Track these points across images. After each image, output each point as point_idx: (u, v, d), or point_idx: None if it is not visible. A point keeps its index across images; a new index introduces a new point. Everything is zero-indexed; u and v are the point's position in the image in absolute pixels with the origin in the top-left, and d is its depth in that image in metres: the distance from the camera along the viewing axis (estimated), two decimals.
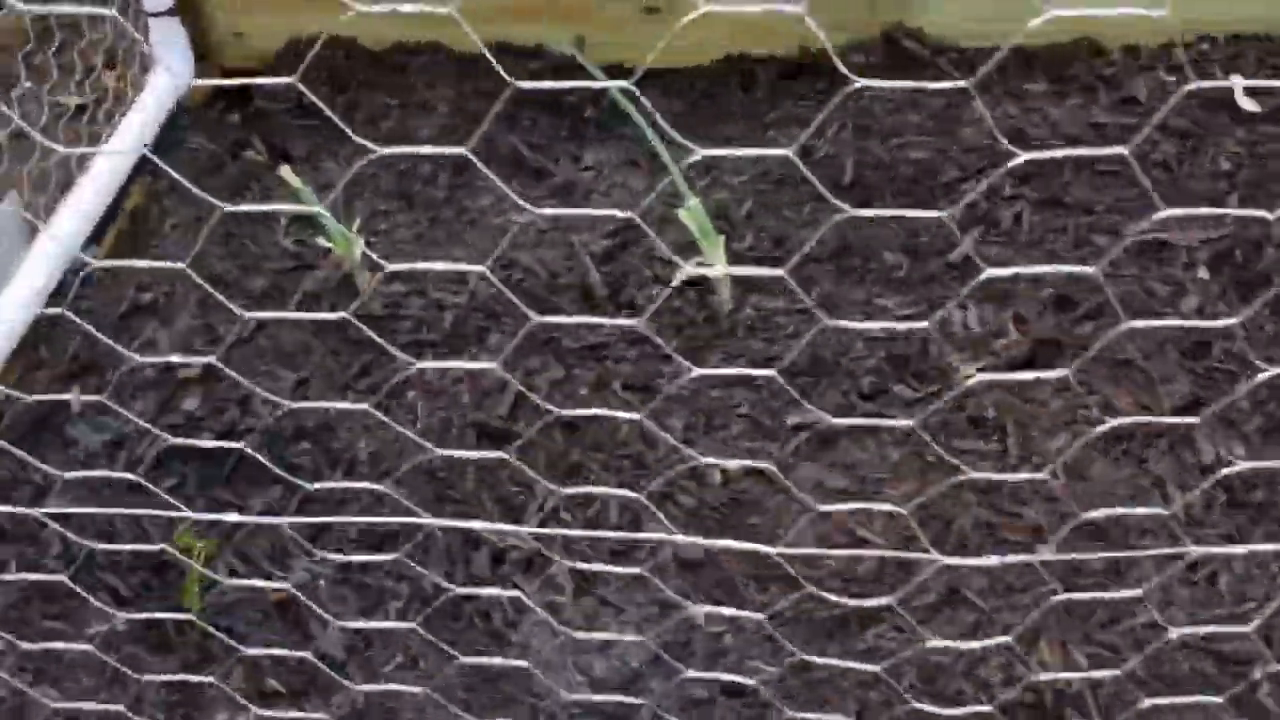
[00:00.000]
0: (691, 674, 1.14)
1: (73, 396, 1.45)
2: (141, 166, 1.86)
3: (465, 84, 1.98)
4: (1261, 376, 1.34)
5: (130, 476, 1.17)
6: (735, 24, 1.95)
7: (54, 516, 1.32)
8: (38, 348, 1.56)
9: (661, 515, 1.22)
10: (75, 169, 1.77)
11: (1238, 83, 1.83)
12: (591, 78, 2.05)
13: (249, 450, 1.02)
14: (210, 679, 1.18)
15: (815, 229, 1.65)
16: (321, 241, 1.56)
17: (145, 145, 1.86)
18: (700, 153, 0.78)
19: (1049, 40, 1.93)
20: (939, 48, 1.95)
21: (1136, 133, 1.72)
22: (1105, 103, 1.84)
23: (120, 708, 1.16)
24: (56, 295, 1.61)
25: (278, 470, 1.09)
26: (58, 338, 1.57)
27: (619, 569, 1.24)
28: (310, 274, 1.61)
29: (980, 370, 1.45)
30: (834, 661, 1.17)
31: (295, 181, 1.49)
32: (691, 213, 1.47)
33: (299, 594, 1.16)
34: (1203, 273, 1.55)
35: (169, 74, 1.97)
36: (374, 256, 1.58)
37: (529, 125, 1.89)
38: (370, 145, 0.78)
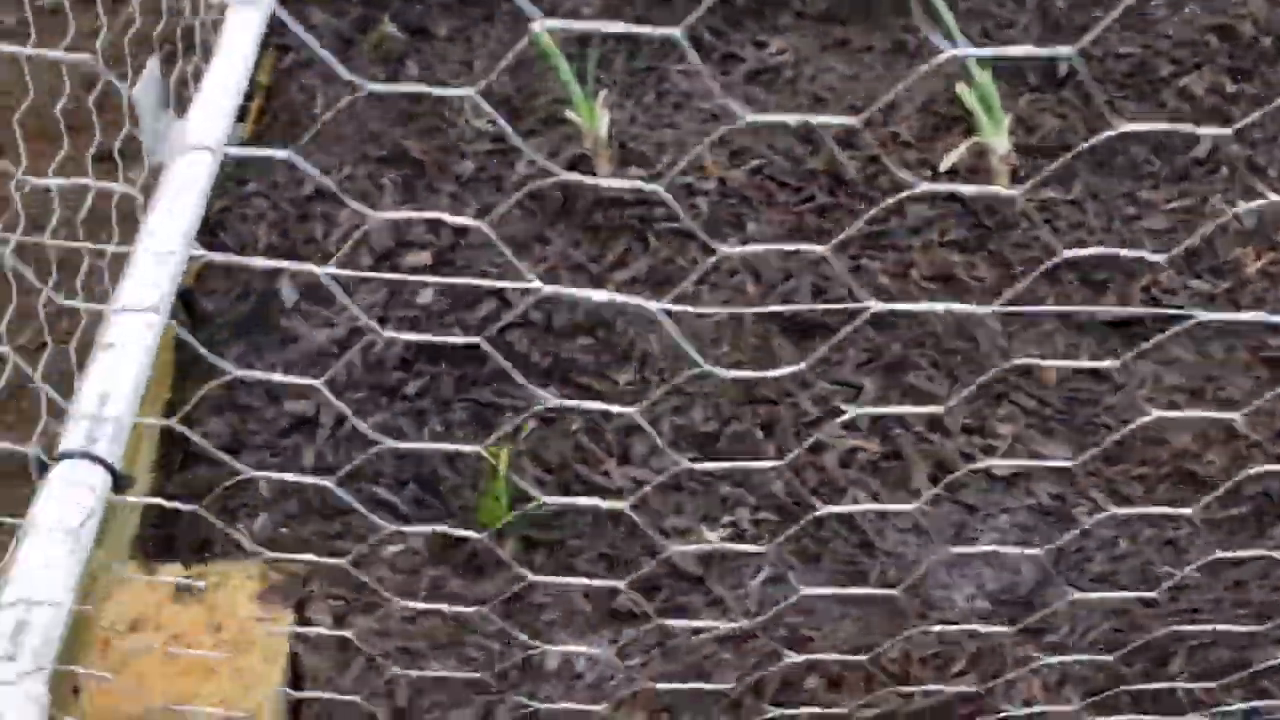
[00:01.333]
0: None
1: (287, 289, 1.23)
2: (265, 42, 1.61)
3: None
4: None
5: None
6: None
7: (298, 423, 1.11)
8: (217, 233, 1.32)
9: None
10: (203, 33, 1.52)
11: None
12: None
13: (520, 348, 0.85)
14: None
15: (1066, 123, 1.53)
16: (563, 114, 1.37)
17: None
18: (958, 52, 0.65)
19: None
20: None
21: None
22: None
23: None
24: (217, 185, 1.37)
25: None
26: (233, 225, 1.34)
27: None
28: (514, 157, 1.42)
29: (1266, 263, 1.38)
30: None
31: (548, 42, 1.29)
32: (979, 89, 1.34)
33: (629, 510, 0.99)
34: None
35: None
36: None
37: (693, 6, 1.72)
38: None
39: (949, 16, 1.41)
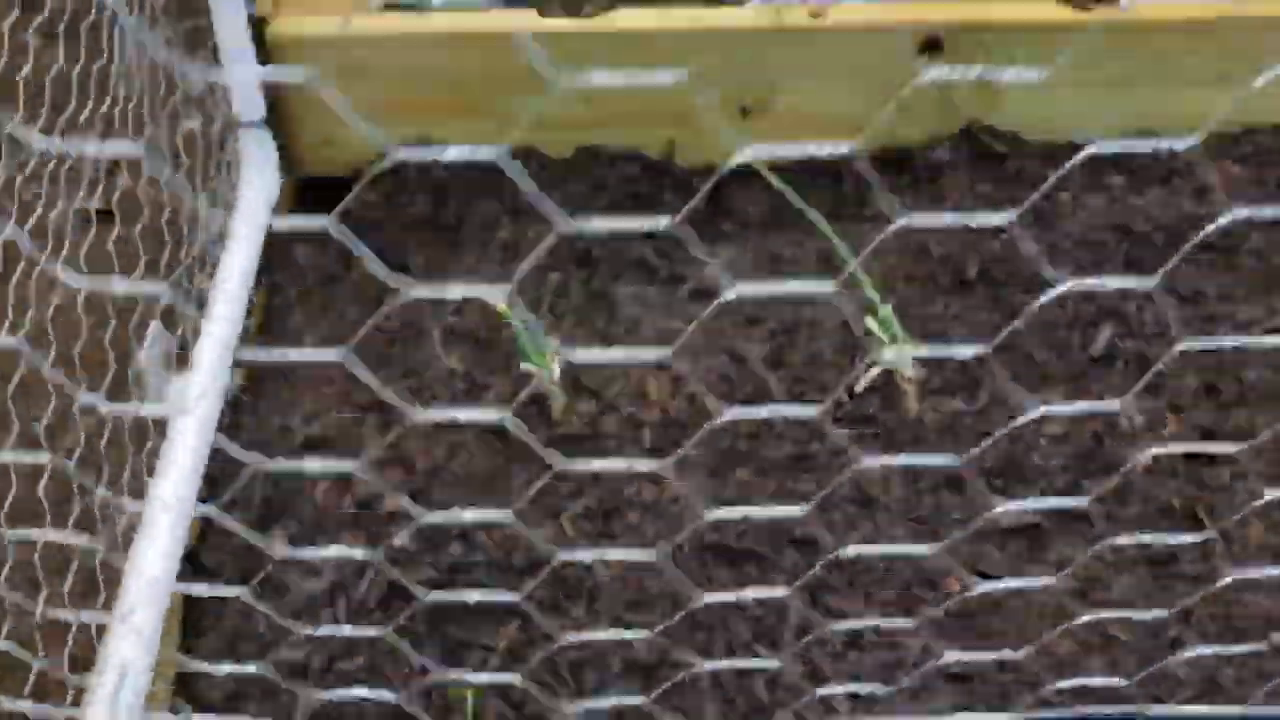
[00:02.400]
0: None
1: (274, 544, 1.40)
2: (255, 282, 1.81)
3: (564, 188, 1.99)
4: None
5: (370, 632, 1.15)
6: (823, 121, 2.02)
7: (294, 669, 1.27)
8: (215, 489, 1.49)
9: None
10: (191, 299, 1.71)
11: None
12: (680, 179, 2.10)
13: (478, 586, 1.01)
14: None
15: (960, 323, 1.72)
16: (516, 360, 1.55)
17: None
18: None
19: (1119, 132, 2.06)
20: (1017, 141, 2.06)
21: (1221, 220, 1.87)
22: (1186, 191, 1.97)
23: None
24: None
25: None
26: (226, 475, 1.51)
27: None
28: (485, 395, 1.60)
29: (1156, 457, 1.54)
30: None
31: (504, 307, 1.48)
32: (882, 317, 1.52)
33: None
34: None
35: (261, 185, 1.92)
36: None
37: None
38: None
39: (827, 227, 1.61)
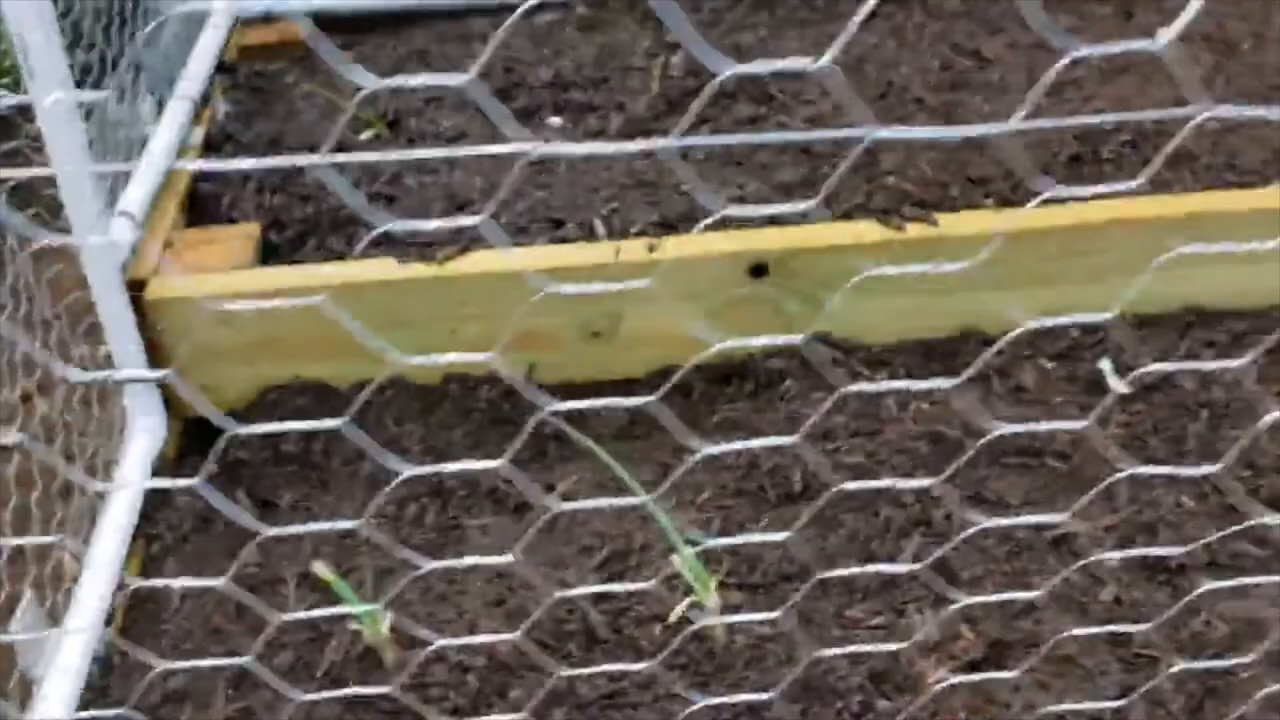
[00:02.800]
0: None
1: None
2: (134, 534, 1.96)
3: (431, 416, 2.15)
4: (1175, 668, 1.60)
5: None
6: (667, 341, 2.19)
7: None
8: None
9: None
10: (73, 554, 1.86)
11: (1106, 366, 2.16)
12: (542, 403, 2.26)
13: None
14: None
15: (780, 544, 1.86)
16: (338, 610, 1.69)
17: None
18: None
19: (946, 333, 2.23)
20: (849, 348, 2.23)
21: (1032, 422, 2.02)
22: (999, 391, 2.13)
23: None
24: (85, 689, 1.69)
25: None
26: None
27: None
28: (329, 643, 1.74)
29: (944, 672, 1.67)
30: None
31: (328, 575, 1.63)
32: (685, 560, 1.66)
33: None
34: (1110, 559, 1.82)
35: (147, 435, 2.08)
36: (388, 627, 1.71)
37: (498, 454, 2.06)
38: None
39: (611, 461, 1.75)
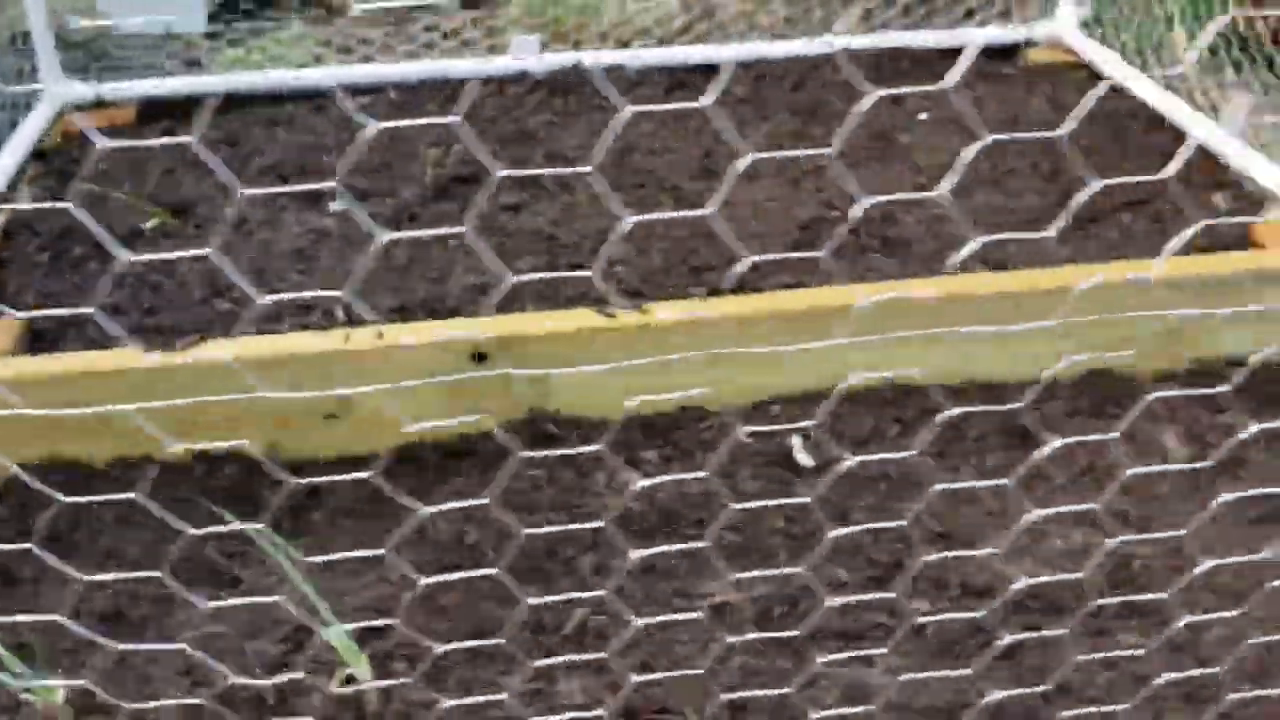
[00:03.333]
0: None
1: None
2: None
3: (176, 489, 2.31)
4: None
5: None
6: (398, 420, 2.35)
7: None
8: None
9: None
10: None
11: (795, 442, 2.33)
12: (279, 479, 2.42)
13: None
14: None
15: (463, 622, 2.01)
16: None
17: None
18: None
19: (660, 409, 2.40)
20: (571, 423, 2.40)
21: (718, 498, 2.19)
22: (713, 464, 2.29)
23: None
24: None
25: None
26: None
27: None
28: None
29: None
30: None
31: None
32: (334, 635, 1.82)
33: None
34: (751, 630, 1.98)
35: None
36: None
37: (223, 533, 2.22)
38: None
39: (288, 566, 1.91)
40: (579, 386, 2.37)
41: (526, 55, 3.37)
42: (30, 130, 3.07)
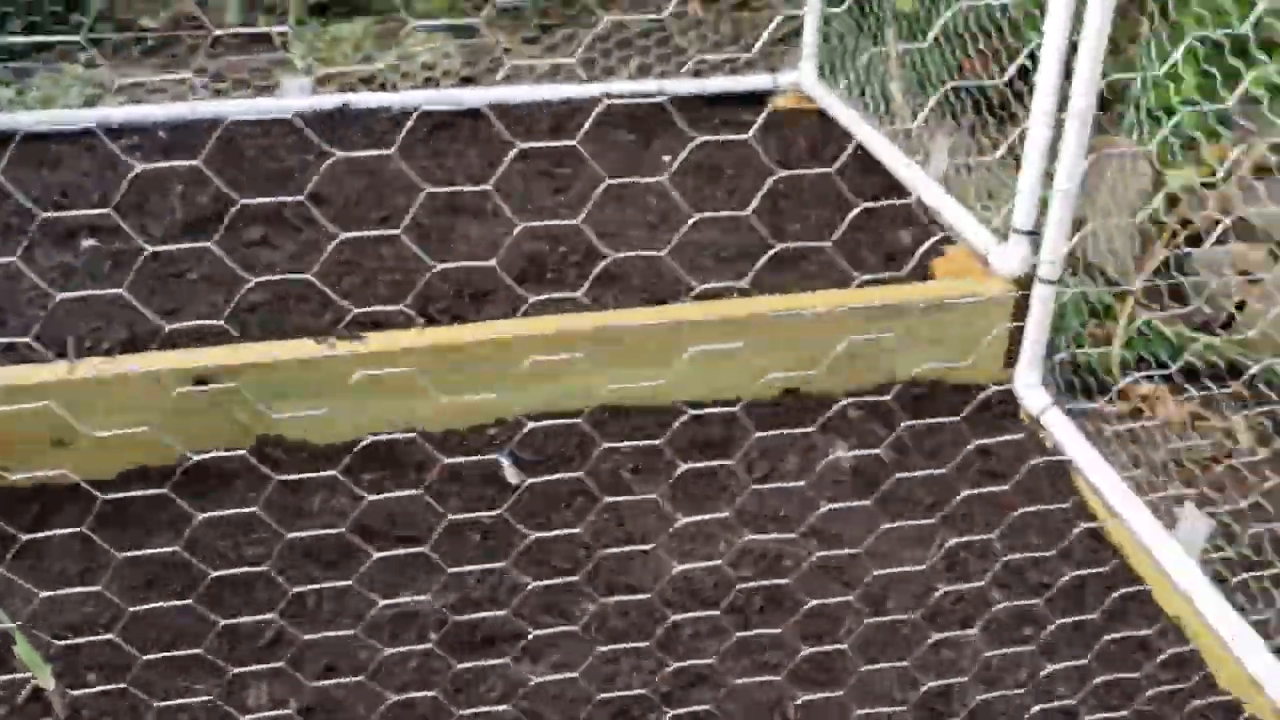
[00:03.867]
0: None
1: None
2: None
3: None
4: None
5: None
6: (126, 445, 2.45)
7: None
8: None
9: None
10: None
11: (504, 460, 2.51)
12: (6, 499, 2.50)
13: None
14: None
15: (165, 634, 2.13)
16: None
17: None
18: None
19: (392, 432, 2.54)
20: (297, 448, 2.53)
21: (441, 521, 2.34)
22: (437, 488, 2.44)
23: None
24: None
25: None
26: None
27: None
28: None
29: None
30: None
31: None
32: (23, 649, 1.93)
33: None
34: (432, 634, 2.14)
35: None
36: None
37: None
38: None
39: None
40: (302, 413, 2.51)
41: (296, 97, 3.51)
42: None
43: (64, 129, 3.41)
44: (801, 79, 3.73)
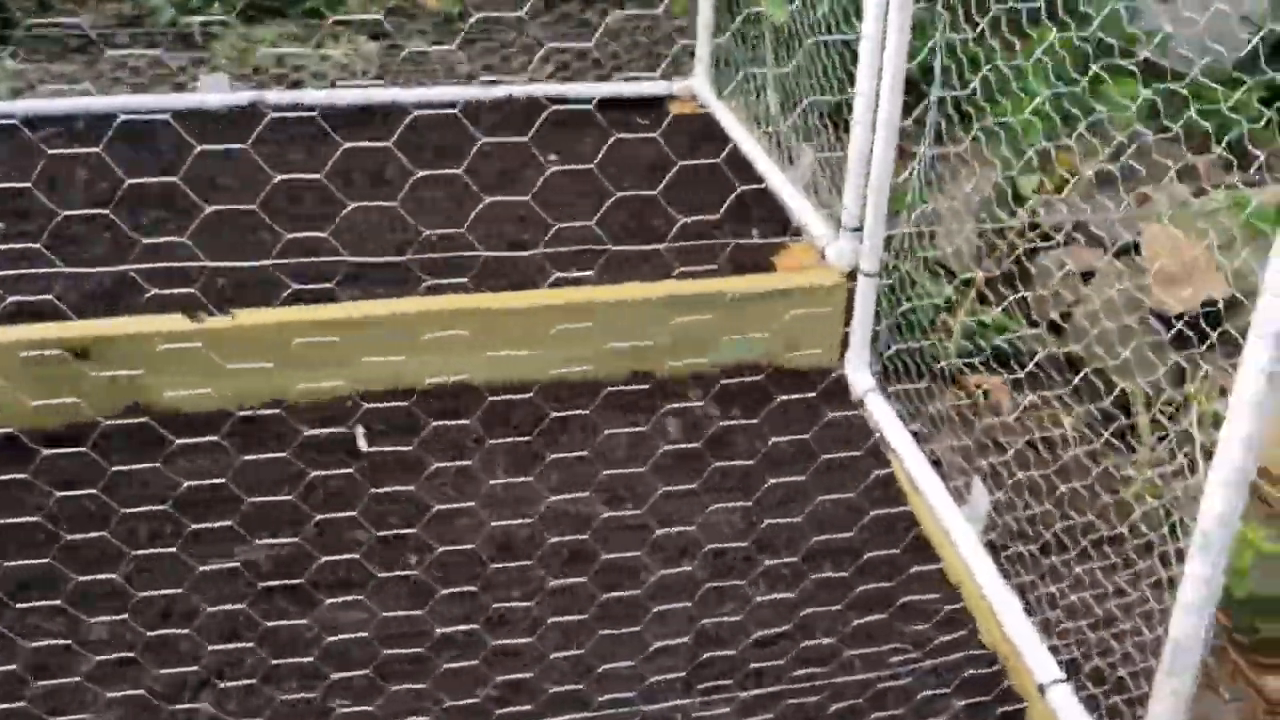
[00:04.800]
0: None
1: None
2: None
3: None
4: None
5: None
6: None
7: None
8: None
9: None
10: None
11: (359, 430, 2.71)
12: None
13: None
14: None
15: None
16: None
17: None
18: None
19: (247, 405, 2.74)
20: (177, 417, 2.73)
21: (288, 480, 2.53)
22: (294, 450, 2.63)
23: None
24: None
25: None
26: None
27: None
28: None
29: None
30: None
31: None
32: None
33: None
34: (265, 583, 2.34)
35: None
36: None
37: None
38: None
39: None
40: (174, 384, 2.71)
41: (213, 92, 3.71)
42: None
43: None
44: (695, 85, 3.93)
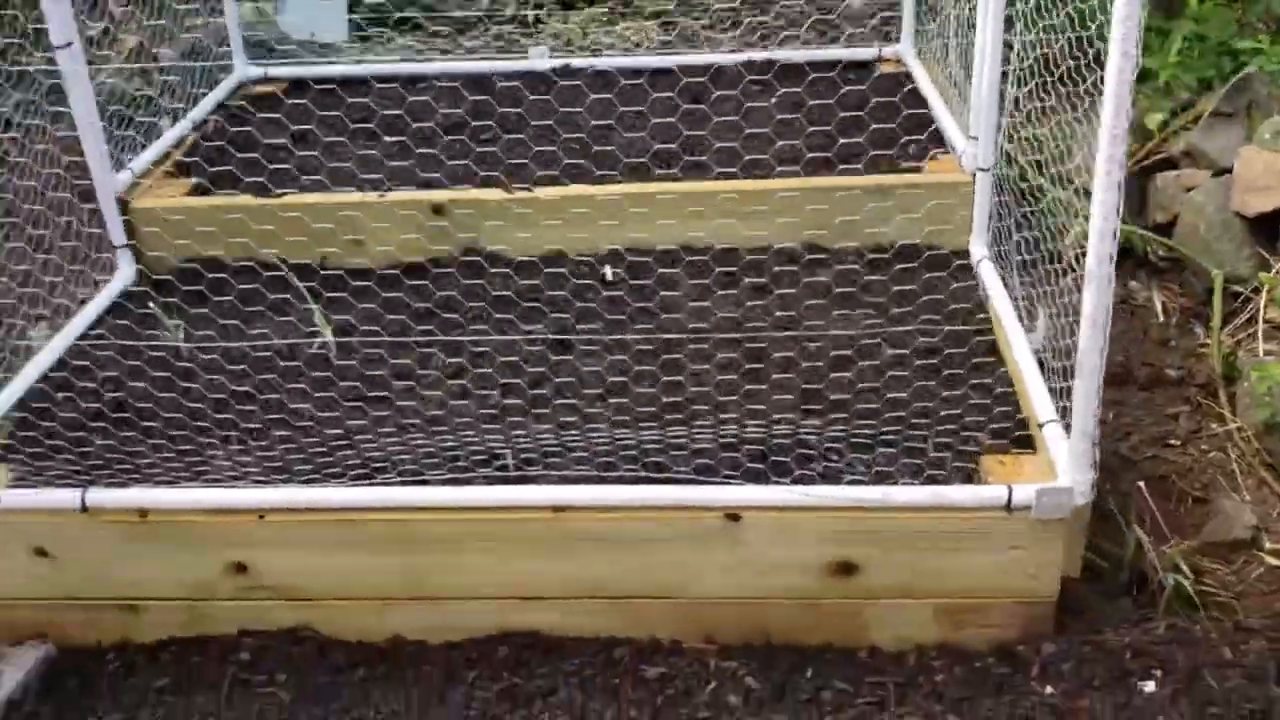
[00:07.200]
0: None
1: None
2: None
3: None
4: None
5: None
6: (395, 245, 4.06)
7: None
8: None
9: None
10: None
11: (607, 270, 3.92)
12: None
13: None
14: None
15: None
16: None
17: None
18: None
19: (546, 253, 4.02)
20: (492, 257, 4.05)
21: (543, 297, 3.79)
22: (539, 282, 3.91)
23: None
24: None
25: None
26: None
27: None
28: None
29: None
30: None
31: None
32: None
33: None
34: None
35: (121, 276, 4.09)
36: None
37: None
38: None
39: None
40: (496, 235, 4.05)
41: (538, 59, 5.10)
42: (221, 92, 4.99)
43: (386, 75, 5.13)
44: (901, 50, 4.95)
